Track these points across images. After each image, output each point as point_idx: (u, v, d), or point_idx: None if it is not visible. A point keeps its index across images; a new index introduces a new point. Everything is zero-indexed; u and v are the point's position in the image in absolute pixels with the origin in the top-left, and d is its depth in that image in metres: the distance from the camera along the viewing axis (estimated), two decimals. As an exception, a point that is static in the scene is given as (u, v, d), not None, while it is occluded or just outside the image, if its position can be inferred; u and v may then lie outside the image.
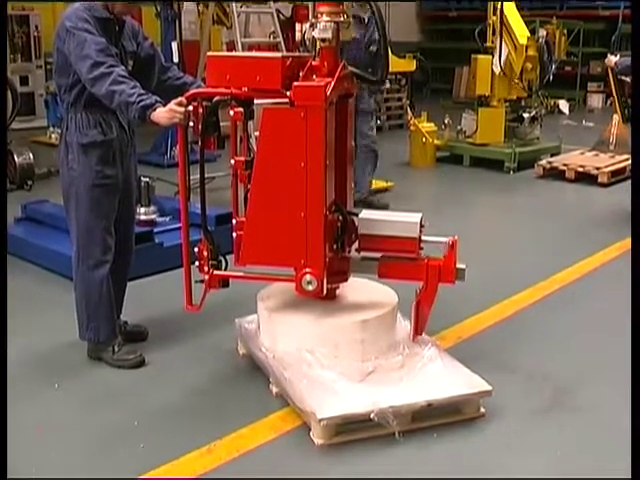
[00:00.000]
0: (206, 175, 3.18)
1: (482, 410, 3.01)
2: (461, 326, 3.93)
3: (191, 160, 3.14)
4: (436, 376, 3.05)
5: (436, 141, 8.70)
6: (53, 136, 9.16)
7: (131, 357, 3.46)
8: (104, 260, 3.36)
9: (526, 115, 8.72)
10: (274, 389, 3.15)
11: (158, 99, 3.03)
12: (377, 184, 7.35)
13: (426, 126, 8.66)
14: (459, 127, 8.90)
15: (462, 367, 3.13)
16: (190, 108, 2.99)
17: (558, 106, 13.18)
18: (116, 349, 3.46)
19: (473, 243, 5.53)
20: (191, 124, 3.02)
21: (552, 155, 8.61)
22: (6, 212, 3.35)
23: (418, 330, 3.26)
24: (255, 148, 3.05)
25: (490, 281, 4.64)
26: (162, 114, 2.99)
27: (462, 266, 3.17)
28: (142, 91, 3.02)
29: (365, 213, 3.23)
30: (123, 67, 3.12)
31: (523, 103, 8.84)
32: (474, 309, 4.14)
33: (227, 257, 3.27)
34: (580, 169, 7.76)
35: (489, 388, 2.99)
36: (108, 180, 3.31)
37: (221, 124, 3.08)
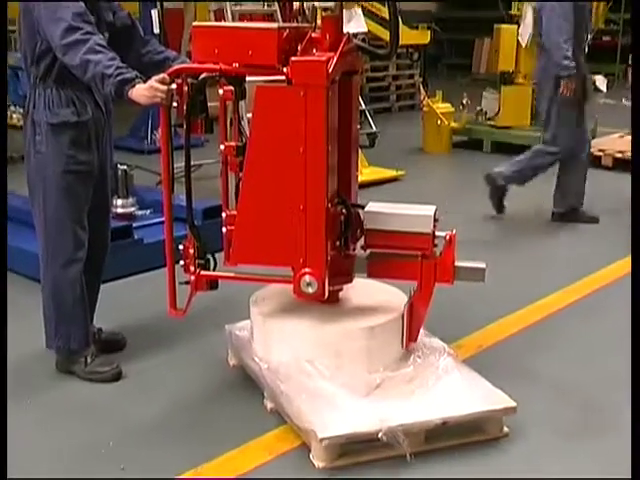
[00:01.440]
0: (192, 162, 3.20)
1: (505, 429, 3.02)
2: (481, 333, 3.96)
3: (175, 145, 3.15)
4: (453, 390, 3.06)
5: (452, 124, 8.72)
6: (14, 116, 9.08)
7: (106, 369, 3.47)
8: (76, 258, 3.37)
9: (555, 93, 8.74)
10: (269, 404, 3.17)
11: (139, 74, 3.03)
12: (385, 173, 7.38)
13: (441, 107, 8.67)
14: (479, 108, 8.91)
15: (482, 380, 3.15)
16: (173, 86, 3.00)
17: (594, 82, 13.19)
18: (89, 360, 3.47)
19: (492, 236, 5.59)
20: (175, 104, 3.04)
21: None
22: (6, 213, 3.36)
23: (411, 336, 3.27)
24: (247, 132, 3.07)
25: (515, 283, 4.66)
26: (142, 92, 2.99)
27: (481, 265, 3.20)
28: (121, 64, 3.03)
29: (372, 206, 3.25)
30: (102, 36, 3.12)
31: (553, 80, 8.86)
32: (496, 314, 4.16)
33: (216, 255, 3.28)
34: (619, 155, 7.72)
35: (513, 404, 3.00)
36: (81, 166, 3.31)
37: (209, 104, 3.09)
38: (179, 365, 3.61)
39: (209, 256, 3.26)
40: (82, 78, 3.08)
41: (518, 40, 8.30)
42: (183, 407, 3.27)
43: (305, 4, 7.03)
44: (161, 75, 3.01)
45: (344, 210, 3.16)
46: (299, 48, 2.98)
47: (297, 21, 7.12)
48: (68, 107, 3.25)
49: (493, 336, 3.93)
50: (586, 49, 5.80)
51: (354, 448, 2.86)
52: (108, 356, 3.57)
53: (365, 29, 7.71)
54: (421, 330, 3.35)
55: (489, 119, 8.79)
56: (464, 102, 8.70)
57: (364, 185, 6.14)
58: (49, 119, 3.24)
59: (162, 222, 3.32)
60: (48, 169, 3.27)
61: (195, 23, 3.16)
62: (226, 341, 3.58)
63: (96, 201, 3.44)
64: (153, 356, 3.66)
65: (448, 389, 3.07)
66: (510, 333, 3.98)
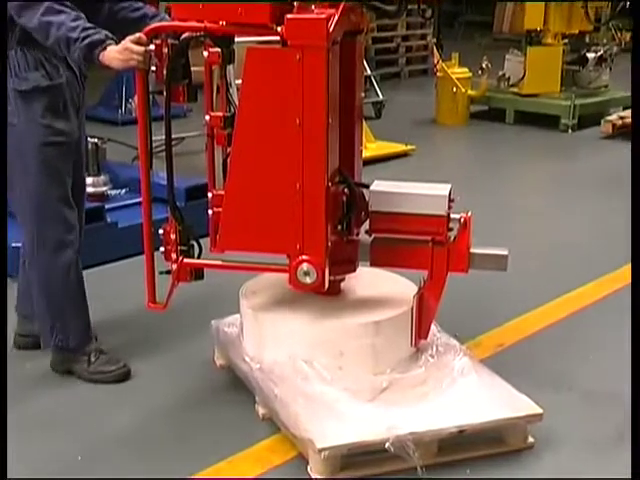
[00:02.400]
0: (173, 135, 3.20)
1: (530, 440, 3.03)
2: (502, 330, 3.97)
3: (153, 116, 3.15)
4: (469, 394, 3.07)
5: (470, 91, 8.71)
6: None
7: (112, 369, 3.50)
8: (67, 240, 3.36)
9: (591, 55, 8.70)
10: (261, 410, 3.18)
11: (109, 34, 3.03)
12: (393, 148, 7.38)
13: (457, 72, 8.67)
14: (501, 72, 8.90)
15: (504, 383, 3.16)
16: (151, 47, 3.00)
17: (634, 43, 13.16)
18: (92, 358, 3.49)
19: (517, 224, 5.61)
20: (153, 68, 3.04)
21: (625, 108, 8.56)
22: (6, 213, 3.37)
23: (422, 333, 3.28)
24: (236, 100, 3.07)
25: (540, 273, 4.68)
26: (115, 54, 2.99)
27: (502, 252, 3.21)
28: (88, 24, 3.02)
29: (378, 185, 3.25)
30: None
31: (588, 39, 8.82)
32: (519, 309, 4.18)
33: (201, 241, 3.29)
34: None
35: (539, 411, 3.01)
36: (61, 137, 3.29)
37: (192, 69, 3.09)
38: (158, 366, 3.63)
39: (193, 242, 3.26)
40: (44, 43, 3.08)
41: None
42: (162, 414, 3.29)
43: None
44: (137, 35, 3.00)
45: (346, 190, 3.16)
46: (295, 4, 2.97)
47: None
48: (37, 70, 3.23)
49: (515, 333, 3.95)
50: (627, 4, 5.64)
51: (357, 460, 2.87)
52: (112, 353, 3.59)
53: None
54: (433, 326, 3.36)
55: (512, 85, 8.78)
56: (484, 66, 8.68)
57: (369, 162, 6.15)
58: (17, 85, 3.22)
59: (139, 203, 3.32)
60: (24, 143, 3.25)
61: (176, -26, 3.15)
62: (212, 338, 3.59)
63: (74, 177, 3.43)
64: (128, 356, 3.66)
65: (464, 393, 3.08)
66: (535, 330, 4.00)
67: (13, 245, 3.84)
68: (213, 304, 3.89)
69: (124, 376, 3.51)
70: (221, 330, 3.54)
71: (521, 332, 3.97)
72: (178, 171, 3.27)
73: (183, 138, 6.40)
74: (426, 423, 2.89)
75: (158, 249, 3.25)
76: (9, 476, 2.58)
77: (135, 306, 3.75)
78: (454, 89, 8.59)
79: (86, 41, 2.97)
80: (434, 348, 3.30)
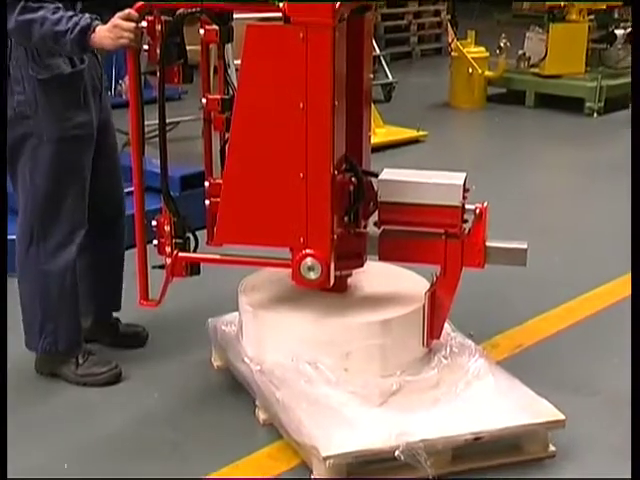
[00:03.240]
0: (168, 120, 3.21)
1: (552, 448, 3.03)
2: (521, 330, 3.98)
3: (146, 98, 3.16)
4: (486, 398, 3.08)
5: (487, 72, 8.71)
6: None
7: (103, 370, 3.51)
8: (70, 240, 3.37)
9: (619, 32, 8.67)
10: (261, 415, 3.20)
11: (92, 16, 3.04)
12: (404, 133, 7.38)
13: (473, 51, 8.67)
14: (521, 52, 8.90)
15: (523, 387, 3.17)
16: (143, 24, 3.01)
17: None
18: (80, 360, 3.51)
19: (538, 216, 5.61)
20: (145, 47, 3.04)
21: (655, 90, 8.61)
22: (6, 213, 3.38)
23: (435, 332, 3.29)
24: (235, 82, 3.08)
25: (562, 269, 4.68)
26: (104, 33, 3.00)
27: (521, 245, 3.21)
28: (69, 13, 3.03)
29: (387, 173, 3.26)
30: None
31: (616, 15, 8.79)
32: (539, 307, 4.18)
33: (198, 234, 3.29)
34: None
35: (562, 417, 3.01)
36: (80, 130, 3.30)
37: (187, 48, 3.09)
38: (151, 368, 3.64)
39: (189, 234, 3.27)
40: (26, 43, 3.09)
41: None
42: (155, 419, 3.30)
43: None
44: (127, 11, 3.00)
45: (354, 178, 3.17)
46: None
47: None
48: (60, 55, 3.20)
49: (535, 334, 3.95)
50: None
51: (365, 469, 2.88)
52: (102, 354, 3.61)
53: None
54: (446, 325, 3.37)
55: (533, 66, 8.78)
56: (502, 45, 8.67)
57: (378, 148, 6.16)
58: (36, 74, 3.19)
59: (130, 192, 3.33)
60: (38, 137, 3.24)
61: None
62: (209, 338, 3.60)
63: (100, 167, 3.45)
64: (119, 356, 3.68)
65: (480, 397, 3.09)
66: (557, 330, 4.00)
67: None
68: (210, 301, 3.89)
69: (115, 378, 3.52)
70: (219, 329, 3.55)
71: (542, 332, 3.97)
72: (172, 158, 3.28)
73: (178, 123, 6.42)
74: (439, 429, 2.90)
75: (151, 242, 3.26)
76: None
77: (126, 303, 3.75)
78: (470, 70, 8.58)
79: (77, 30, 2.98)
80: (447, 349, 3.31)
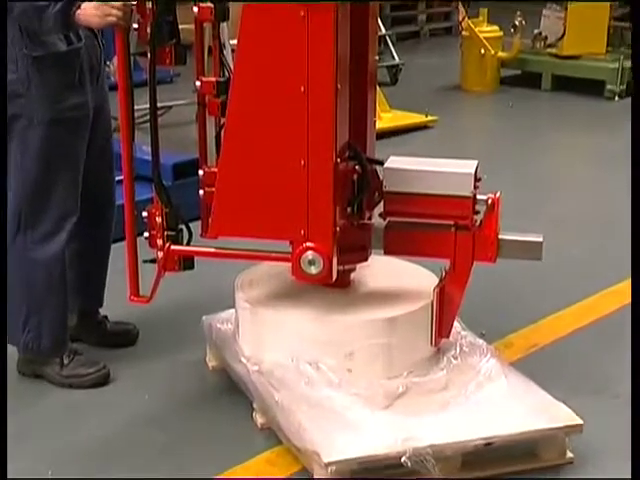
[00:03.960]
0: (159, 104, 3.21)
1: (569, 454, 3.04)
2: (537, 328, 4.00)
3: (136, 81, 3.17)
4: (498, 401, 3.09)
5: (501, 53, 8.71)
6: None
7: (90, 372, 3.53)
8: (60, 229, 3.39)
9: (644, 10, 8.69)
10: (259, 419, 3.21)
11: None
12: (411, 118, 7.38)
13: (486, 30, 8.66)
14: (537, 31, 8.88)
15: (538, 389, 3.18)
16: (133, 2, 3.01)
17: None
18: (65, 361, 3.52)
19: (554, 206, 5.61)
20: (135, 26, 3.05)
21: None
22: (6, 214, 3.40)
23: (443, 330, 3.30)
24: (231, 64, 3.08)
25: (581, 263, 4.68)
26: (91, 10, 3.01)
27: (537, 239, 3.22)
28: None
29: (393, 161, 3.26)
30: None
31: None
32: (556, 304, 4.20)
33: (191, 225, 3.30)
34: None
35: (579, 422, 3.02)
36: (74, 112, 3.32)
37: (180, 27, 3.10)
38: (142, 368, 3.66)
39: (182, 226, 3.27)
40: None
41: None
42: (146, 423, 3.31)
43: None
44: None
45: (357, 167, 3.17)
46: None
47: None
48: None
49: (552, 332, 3.97)
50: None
51: (369, 476, 2.89)
52: (89, 354, 3.62)
53: None
54: (456, 323, 3.38)
55: (550, 46, 8.77)
56: (517, 23, 8.66)
57: (384, 134, 6.16)
58: (31, 51, 3.20)
59: (120, 181, 3.34)
60: (29, 119, 3.26)
61: None
62: (204, 337, 3.62)
63: (94, 154, 3.46)
64: (108, 356, 3.69)
65: (492, 400, 3.10)
66: (574, 328, 4.01)
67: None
68: (205, 298, 3.90)
69: (103, 379, 3.53)
70: (214, 327, 3.56)
71: (558, 331, 3.98)
72: (164, 145, 3.28)
73: (170, 107, 6.42)
74: (448, 434, 2.91)
75: (142, 234, 3.26)
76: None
77: (115, 299, 3.76)
78: (482, 51, 8.58)
79: (59, 4, 2.99)
80: (457, 348, 3.32)
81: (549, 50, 8.75)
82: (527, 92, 8.63)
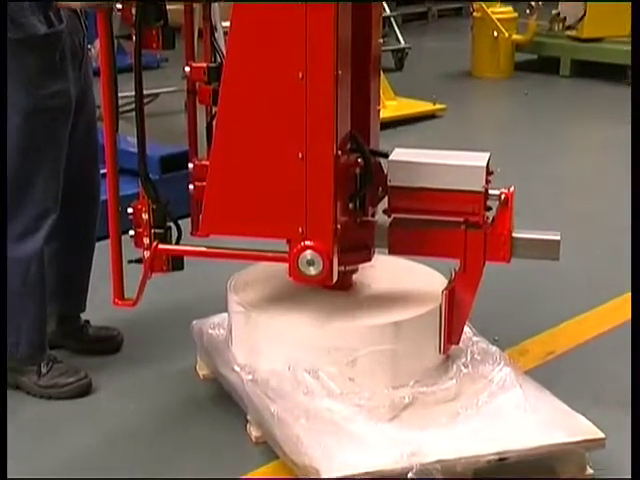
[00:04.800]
0: (145, 91, 3.21)
1: (589, 470, 3.04)
2: (554, 334, 4.00)
3: (119, 66, 3.18)
4: (513, 413, 3.09)
5: (515, 36, 8.71)
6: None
7: (70, 381, 3.53)
8: (38, 226, 3.39)
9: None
10: (254, 432, 3.22)
11: None
12: (418, 106, 7.38)
13: (499, 11, 8.67)
14: (554, 12, 8.89)
15: (555, 400, 3.18)
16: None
17: None
18: (43, 370, 3.52)
19: (573, 203, 5.62)
20: (119, 6, 3.05)
21: None
22: (6, 213, 3.41)
23: (453, 336, 3.30)
24: (224, 48, 3.08)
25: (601, 264, 4.68)
26: None
27: (554, 237, 3.22)
28: None
29: (399, 153, 3.27)
30: None
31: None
32: (576, 307, 4.20)
33: (181, 223, 3.30)
34: None
35: (601, 435, 3.01)
36: (55, 100, 3.32)
37: (168, 8, 3.10)
38: (127, 377, 3.66)
39: (170, 223, 3.27)
40: None
41: None
42: (130, 437, 3.32)
43: None
44: None
45: (360, 159, 3.17)
46: None
47: None
48: (34, 14, 3.21)
49: (571, 338, 3.98)
50: None
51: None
52: (69, 362, 3.63)
53: None
54: (466, 328, 3.39)
55: (569, 28, 8.77)
56: (533, 4, 8.67)
57: (388, 124, 6.17)
58: (10, 33, 3.19)
59: (103, 175, 3.35)
60: (6, 107, 3.25)
61: None
62: (194, 343, 3.62)
63: (76, 144, 3.47)
64: (89, 365, 3.69)
65: (506, 412, 3.10)
66: (595, 334, 4.02)
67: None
68: (195, 301, 3.90)
69: (84, 390, 3.54)
70: (205, 333, 3.56)
71: (578, 337, 3.99)
72: (151, 136, 3.28)
73: (157, 95, 6.43)
74: (458, 449, 2.91)
75: (127, 232, 3.26)
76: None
77: (98, 303, 3.77)
78: (495, 33, 8.58)
79: None
80: (468, 356, 3.32)
81: (568, 32, 8.75)
82: (544, 78, 8.64)
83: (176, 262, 3.29)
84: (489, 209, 3.19)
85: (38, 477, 2.97)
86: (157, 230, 3.24)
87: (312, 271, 3.02)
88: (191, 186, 3.25)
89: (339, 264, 3.10)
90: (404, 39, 9.01)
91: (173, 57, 5.63)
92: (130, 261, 3.30)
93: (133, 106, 3.21)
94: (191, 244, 3.30)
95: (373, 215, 3.34)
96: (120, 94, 3.20)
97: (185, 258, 3.31)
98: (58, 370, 3.55)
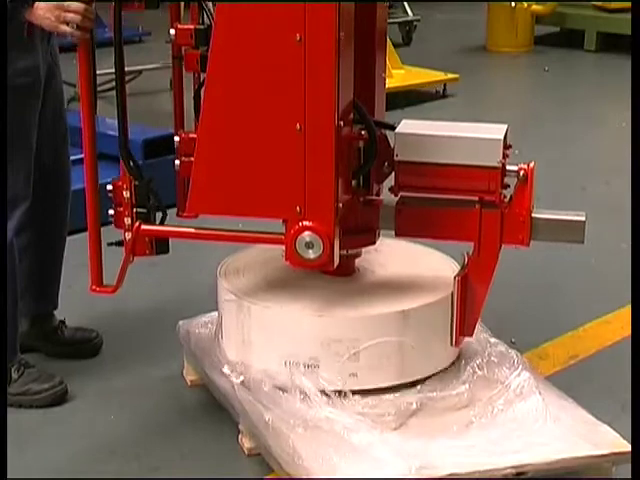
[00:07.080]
0: (127, 68, 3.21)
1: (615, 486, 3.06)
2: (577, 336, 4.02)
3: (98, 40, 3.19)
4: (531, 423, 3.09)
5: (535, 6, 8.72)
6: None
7: (44, 387, 3.53)
8: (8, 216, 3.37)
9: None
10: (246, 443, 3.22)
11: None
12: (428, 76, 7.33)
13: (518, -21, 8.69)
14: (578, -20, 8.91)
15: (579, 409, 3.18)
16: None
17: None
18: (14, 375, 3.52)
19: (599, 189, 5.63)
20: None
21: None
22: (6, 214, 3.42)
23: (464, 328, 3.29)
24: (213, 9, 3.09)
25: (629, 259, 4.68)
26: (43, 12, 3.05)
27: (578, 217, 3.19)
28: None
29: (407, 125, 3.26)
30: None
31: None
32: (601, 307, 4.21)
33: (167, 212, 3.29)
34: None
35: (627, 448, 2.99)
36: (24, 78, 3.33)
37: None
38: (107, 384, 3.67)
39: (155, 202, 3.25)
40: None
41: None
42: (109, 448, 3.32)
43: None
44: None
45: (364, 132, 3.17)
46: None
47: None
48: None
49: (595, 340, 3.99)
50: None
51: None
52: (43, 366, 3.63)
53: None
54: (484, 329, 3.40)
55: (594, -2, 8.80)
56: (554, -28, 8.70)
57: (395, 97, 6.15)
58: None
59: (80, 160, 3.34)
60: None
61: None
62: (180, 346, 3.63)
63: (44, 124, 3.48)
64: (65, 369, 3.70)
65: (524, 421, 3.10)
66: (621, 337, 4.00)
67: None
68: (181, 297, 3.91)
69: (59, 398, 3.54)
70: (192, 334, 3.57)
71: (603, 340, 4.01)
72: (133, 117, 3.29)
73: (140, 72, 6.43)
74: (471, 461, 2.91)
75: (106, 223, 3.25)
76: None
77: (74, 300, 3.78)
78: (513, 4, 8.60)
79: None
80: (483, 357, 3.32)
81: (594, 2, 8.77)
82: (566, 53, 8.66)
83: (160, 245, 3.27)
84: (506, 187, 3.18)
85: (38, 477, 3.01)
86: (139, 209, 3.22)
87: (311, 255, 3.02)
88: (177, 162, 3.23)
89: (341, 247, 3.09)
90: (412, 11, 9.02)
91: (157, 30, 5.62)
92: (110, 243, 3.29)
93: (113, 84, 3.21)
94: (178, 225, 3.28)
95: (378, 194, 3.35)
96: (98, 71, 3.21)
97: (171, 242, 3.29)
98: (30, 376, 3.55)
